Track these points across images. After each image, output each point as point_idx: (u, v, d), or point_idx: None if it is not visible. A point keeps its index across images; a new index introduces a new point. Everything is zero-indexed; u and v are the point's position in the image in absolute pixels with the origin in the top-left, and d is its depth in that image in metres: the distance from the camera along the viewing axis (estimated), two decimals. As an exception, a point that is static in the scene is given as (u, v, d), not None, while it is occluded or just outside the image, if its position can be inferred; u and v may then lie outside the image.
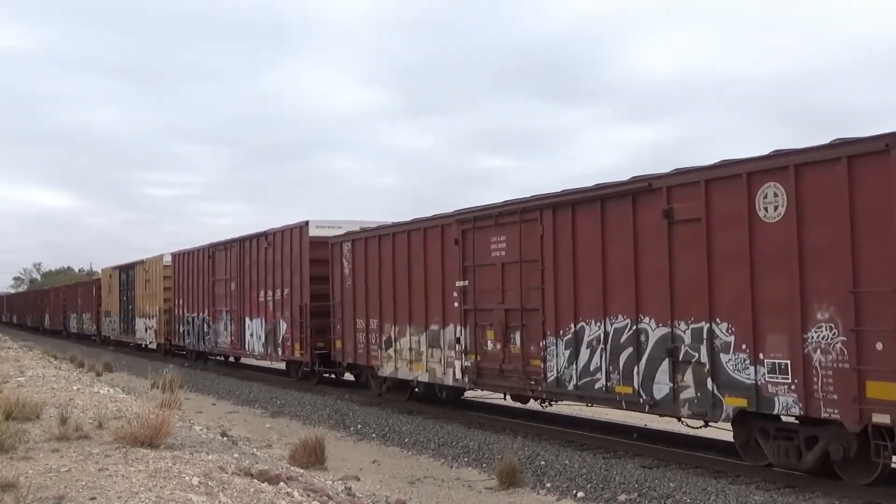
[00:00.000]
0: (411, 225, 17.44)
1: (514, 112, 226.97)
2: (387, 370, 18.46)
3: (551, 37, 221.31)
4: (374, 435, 16.16)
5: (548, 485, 11.62)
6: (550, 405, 15.34)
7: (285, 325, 23.36)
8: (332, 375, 22.91)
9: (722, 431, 12.34)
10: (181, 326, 32.70)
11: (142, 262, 38.31)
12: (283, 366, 26.11)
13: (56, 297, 61.84)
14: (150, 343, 37.43)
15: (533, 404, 15.90)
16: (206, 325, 29.86)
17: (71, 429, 8.74)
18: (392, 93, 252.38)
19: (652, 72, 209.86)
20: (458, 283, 15.76)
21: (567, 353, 13.31)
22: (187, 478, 6.97)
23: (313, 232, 22.05)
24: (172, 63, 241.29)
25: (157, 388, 18.34)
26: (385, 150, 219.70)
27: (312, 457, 12.66)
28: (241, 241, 26.68)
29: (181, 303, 32.51)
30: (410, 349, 17.35)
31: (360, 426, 16.97)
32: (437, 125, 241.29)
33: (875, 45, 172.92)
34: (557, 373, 13.50)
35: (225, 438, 12.40)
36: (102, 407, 11.33)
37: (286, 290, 23.20)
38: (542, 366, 13.82)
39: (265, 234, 24.66)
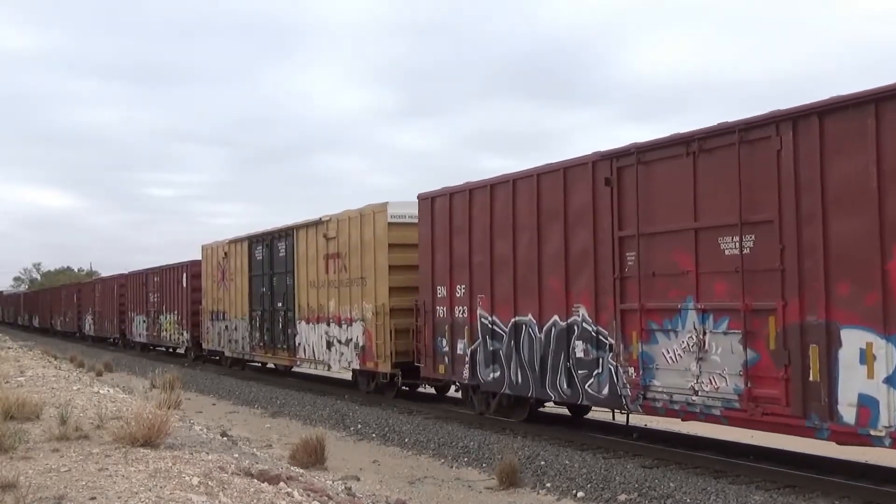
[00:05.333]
0: None
1: (516, 113, 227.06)
2: None
3: (552, 39, 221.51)
4: (374, 435, 16.16)
5: (548, 485, 11.63)
6: None
7: None
8: None
9: (722, 432, 12.36)
10: (460, 340, 15.94)
11: (318, 223, 21.41)
12: None
13: (104, 293, 43.48)
14: (343, 367, 21.13)
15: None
16: (579, 344, 13.11)
17: (71, 429, 8.74)
18: (393, 94, 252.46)
19: (653, 72, 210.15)
20: None
21: None
22: (187, 478, 6.97)
23: None
24: (173, 63, 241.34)
25: (157, 387, 18.43)
26: (386, 151, 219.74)
27: (312, 457, 12.66)
28: (790, 117, 9.79)
29: (462, 293, 15.82)
30: None
31: (360, 426, 16.97)
32: (438, 126, 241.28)
33: (876, 46, 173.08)
34: None
35: (225, 438, 12.42)
36: (102, 407, 11.32)
37: None
38: None
39: None
